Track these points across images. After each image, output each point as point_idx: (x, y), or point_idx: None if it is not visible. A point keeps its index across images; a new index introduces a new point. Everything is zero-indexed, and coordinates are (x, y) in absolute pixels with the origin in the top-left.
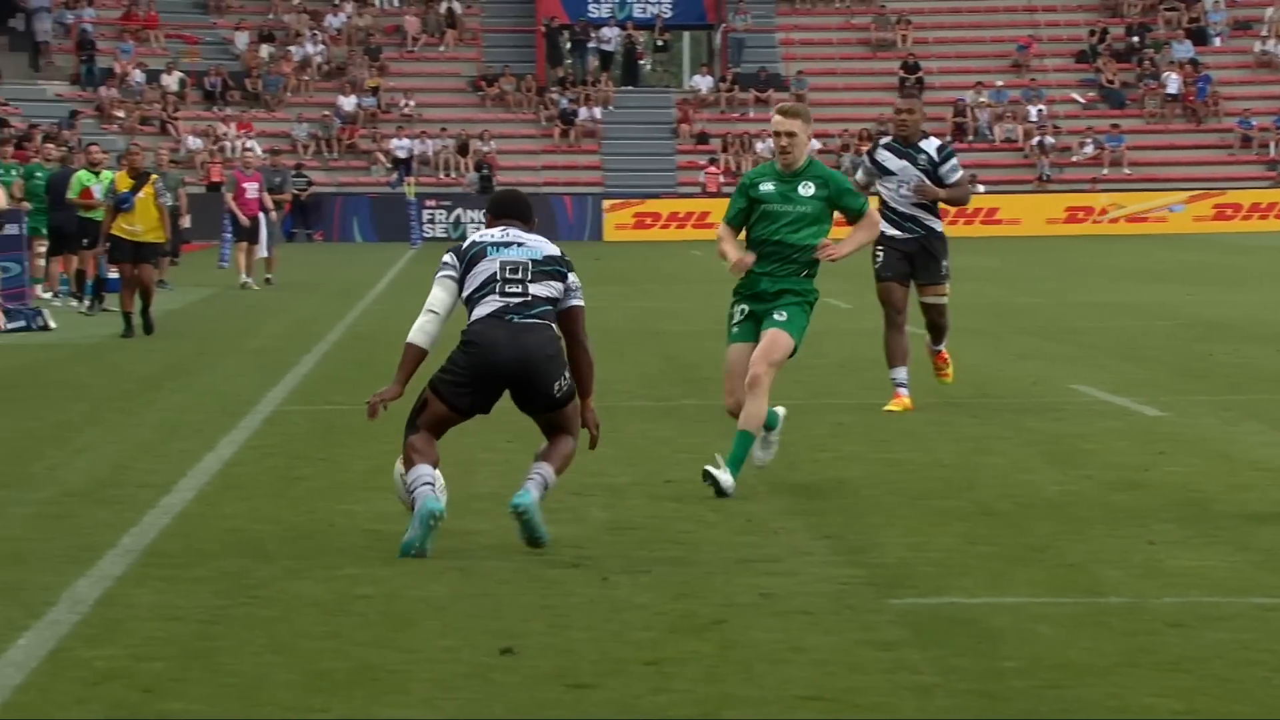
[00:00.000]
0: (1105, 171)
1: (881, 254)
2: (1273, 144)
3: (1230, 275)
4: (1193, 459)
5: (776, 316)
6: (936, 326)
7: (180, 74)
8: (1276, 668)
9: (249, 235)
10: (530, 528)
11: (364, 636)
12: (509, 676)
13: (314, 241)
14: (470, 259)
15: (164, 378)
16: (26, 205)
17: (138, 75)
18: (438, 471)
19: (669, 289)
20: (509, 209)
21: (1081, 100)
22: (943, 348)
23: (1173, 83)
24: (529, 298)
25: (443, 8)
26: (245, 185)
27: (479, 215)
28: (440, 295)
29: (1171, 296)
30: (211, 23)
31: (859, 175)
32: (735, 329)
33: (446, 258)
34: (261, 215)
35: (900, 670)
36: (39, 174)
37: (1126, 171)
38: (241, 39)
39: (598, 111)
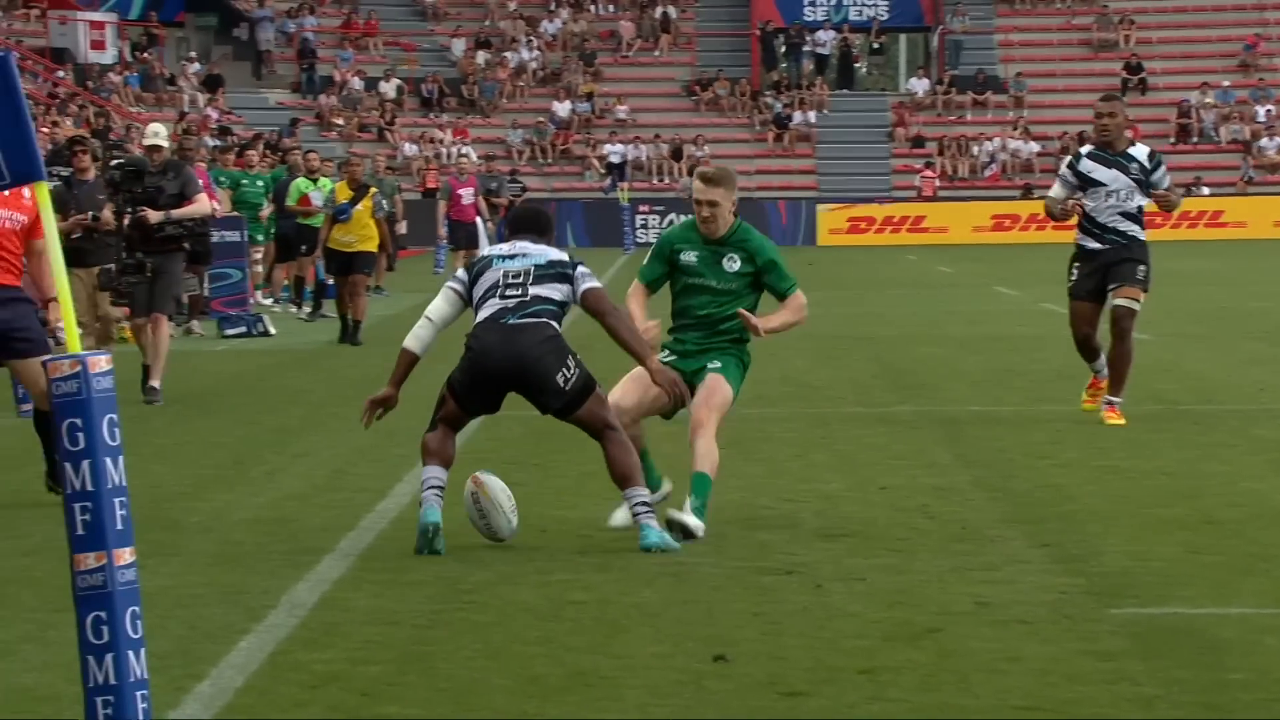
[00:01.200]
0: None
1: (1076, 270)
2: None
3: None
4: None
5: (710, 365)
6: (1121, 335)
7: (398, 81)
8: None
9: (468, 241)
10: (686, 534)
11: (577, 642)
12: (721, 684)
13: None
14: (478, 271)
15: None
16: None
17: (356, 83)
18: (447, 473)
19: (883, 294)
20: (523, 224)
21: None
22: (1118, 401)
23: None
24: (527, 298)
25: (657, 12)
26: (460, 191)
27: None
28: (439, 305)
29: None
30: (429, 30)
31: (1055, 190)
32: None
33: (459, 271)
34: (479, 221)
35: (1121, 681)
36: (244, 181)
37: None
38: (458, 46)
39: (812, 115)
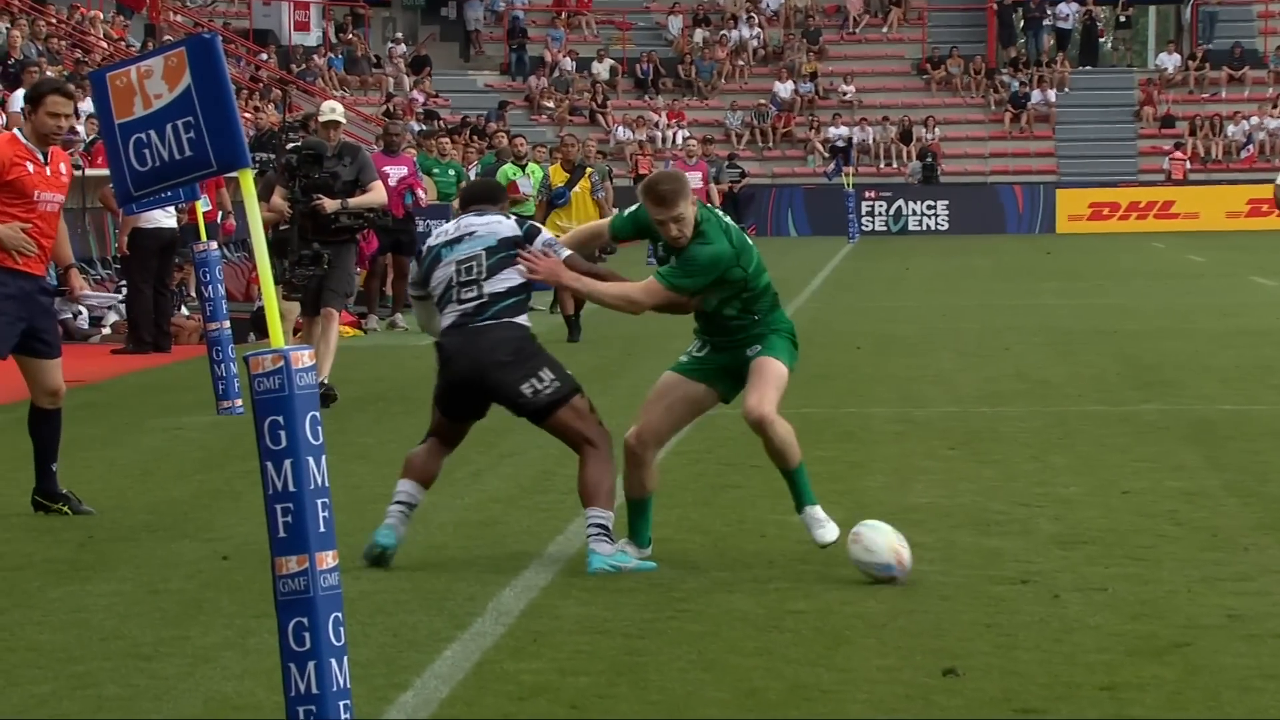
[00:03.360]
0: None
1: None
2: None
3: None
4: None
5: (749, 352)
6: None
7: (611, 61)
8: None
9: None
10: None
11: (796, 654)
12: (952, 700)
13: (747, 235)
14: (428, 270)
15: (589, 380)
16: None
17: (568, 63)
18: (423, 492)
19: (1126, 285)
20: (475, 196)
21: None
22: None
23: None
24: (485, 298)
25: None
26: (687, 175)
27: (921, 207)
28: (423, 319)
29: None
30: (644, 7)
31: None
32: (686, 359)
33: (411, 275)
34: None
35: None
36: (435, 170)
37: None
38: (675, 24)
39: (1052, 94)
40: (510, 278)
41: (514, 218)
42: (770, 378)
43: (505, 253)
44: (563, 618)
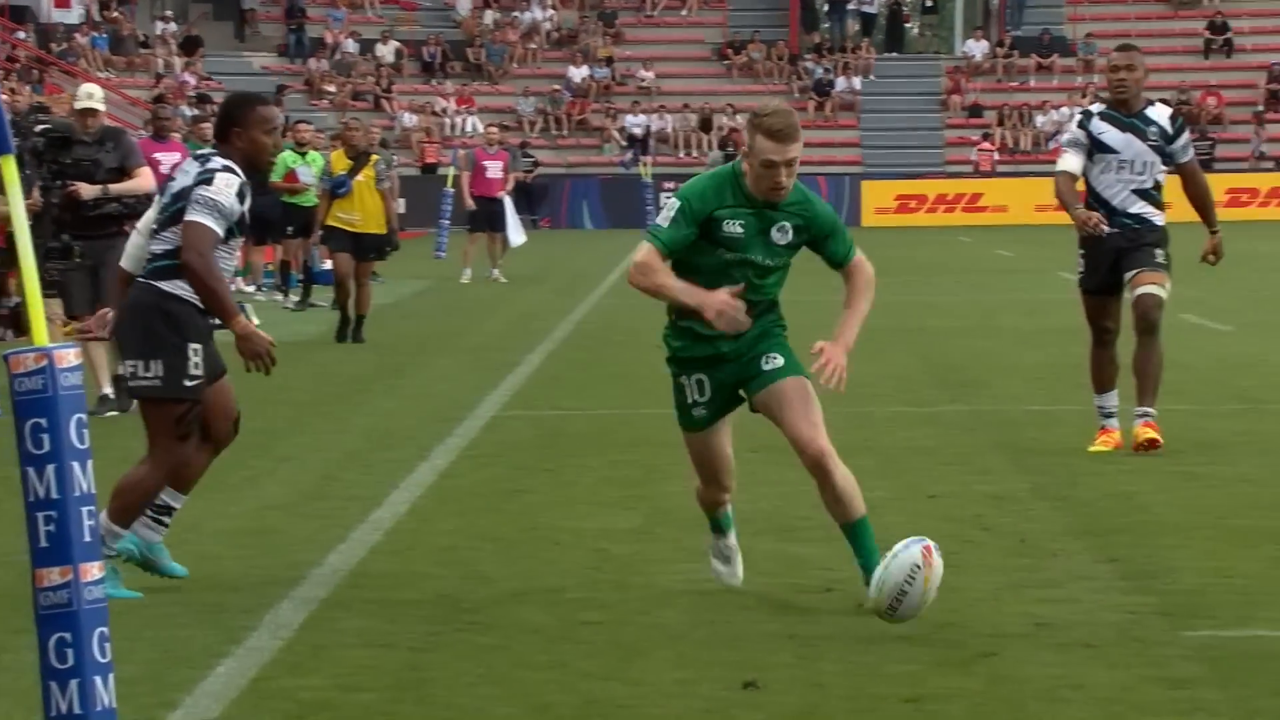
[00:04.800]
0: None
1: (1084, 259)
2: None
3: None
4: None
5: (770, 362)
6: (1147, 329)
7: (396, 44)
8: None
9: (486, 222)
10: (155, 572)
11: (590, 667)
12: (752, 714)
13: (539, 228)
14: None
15: (373, 380)
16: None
17: (350, 45)
18: (182, 498)
19: (932, 280)
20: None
21: None
22: (1153, 414)
23: None
24: (149, 256)
25: None
26: (486, 164)
27: None
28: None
29: None
30: None
31: (1067, 159)
32: (697, 413)
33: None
34: (505, 199)
35: (1197, 712)
36: None
37: None
38: (463, 5)
39: (857, 82)
40: (172, 237)
41: (205, 166)
42: (813, 401)
43: (178, 207)
44: (344, 631)
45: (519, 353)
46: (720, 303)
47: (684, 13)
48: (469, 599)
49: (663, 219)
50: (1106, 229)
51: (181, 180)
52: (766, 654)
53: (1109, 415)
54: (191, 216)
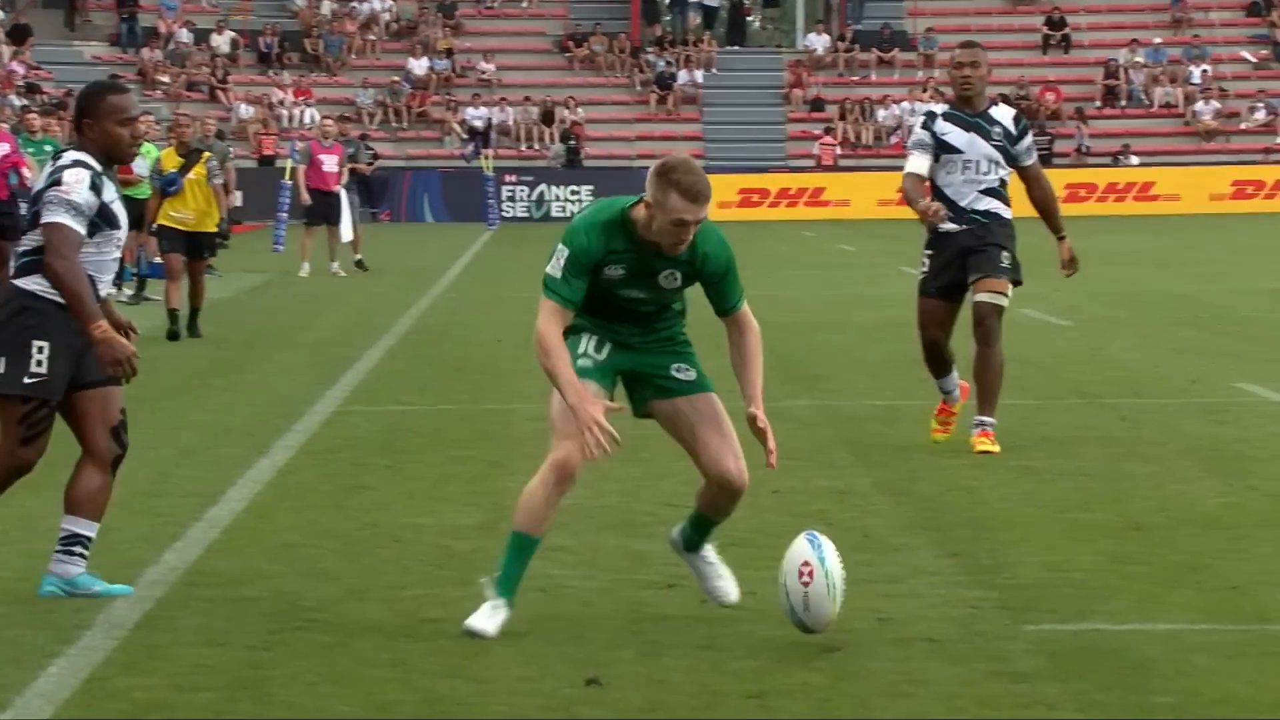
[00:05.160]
0: (1279, 140)
1: (928, 260)
2: None
3: None
4: None
5: (681, 372)
6: (986, 338)
7: (232, 33)
8: None
9: (323, 215)
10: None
11: (432, 665)
12: (594, 710)
13: (379, 222)
14: None
15: (211, 375)
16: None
17: (184, 35)
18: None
19: (776, 275)
20: None
21: (1252, 59)
22: (991, 423)
23: None
24: (16, 255)
25: None
26: (322, 157)
27: (564, 191)
28: None
29: None
30: None
31: (914, 161)
32: (582, 363)
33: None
34: (341, 193)
35: (1036, 705)
36: (49, 148)
37: None
38: None
39: (699, 75)
40: (32, 238)
41: (55, 164)
42: (730, 426)
43: (34, 209)
44: (180, 630)
45: (359, 348)
46: (589, 420)
47: (524, 4)
48: (308, 597)
49: (554, 269)
50: (948, 221)
51: (41, 181)
52: (609, 650)
53: (948, 394)
54: (47, 218)
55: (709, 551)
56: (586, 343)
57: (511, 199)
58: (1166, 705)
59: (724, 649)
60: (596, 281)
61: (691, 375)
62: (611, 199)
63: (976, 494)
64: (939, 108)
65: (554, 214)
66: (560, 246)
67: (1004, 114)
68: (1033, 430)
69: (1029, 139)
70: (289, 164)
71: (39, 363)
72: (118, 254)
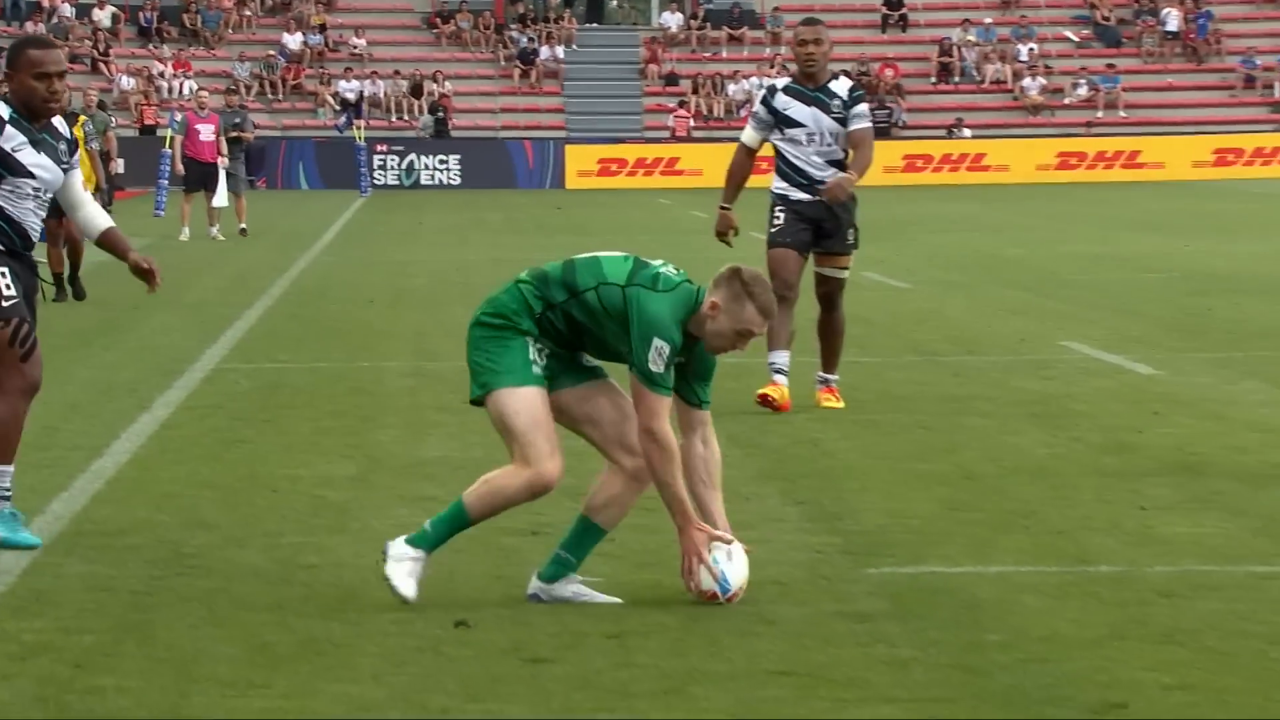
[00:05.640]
0: (1100, 114)
1: (781, 216)
2: (1277, 85)
3: (1230, 224)
4: (1188, 420)
5: (588, 363)
6: (831, 307)
7: (113, 8)
8: (1272, 639)
9: (201, 183)
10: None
11: (308, 608)
12: (463, 650)
13: (256, 189)
14: None
15: (95, 334)
16: None
17: (66, 9)
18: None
19: (634, 240)
20: None
21: (1075, 38)
22: (834, 379)
23: (1172, 19)
24: None
25: None
26: (199, 127)
27: (433, 161)
28: None
29: (1168, 247)
30: None
31: (749, 132)
32: (539, 369)
33: None
34: (220, 161)
35: (877, 644)
36: None
37: (1122, 114)
38: None
39: (560, 51)
40: None
41: None
42: (630, 406)
43: None
44: (66, 576)
45: (238, 308)
46: (695, 551)
47: None
48: (190, 544)
49: (657, 364)
50: (798, 191)
51: None
52: (477, 594)
53: (778, 371)
54: None
55: (577, 582)
56: (533, 349)
57: (383, 168)
58: (997, 642)
59: None
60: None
61: (596, 363)
62: (674, 283)
63: (821, 446)
64: (780, 82)
65: (423, 182)
66: (657, 341)
67: (842, 86)
68: (874, 386)
69: (862, 106)
70: (168, 133)
71: (8, 286)
72: (35, 204)
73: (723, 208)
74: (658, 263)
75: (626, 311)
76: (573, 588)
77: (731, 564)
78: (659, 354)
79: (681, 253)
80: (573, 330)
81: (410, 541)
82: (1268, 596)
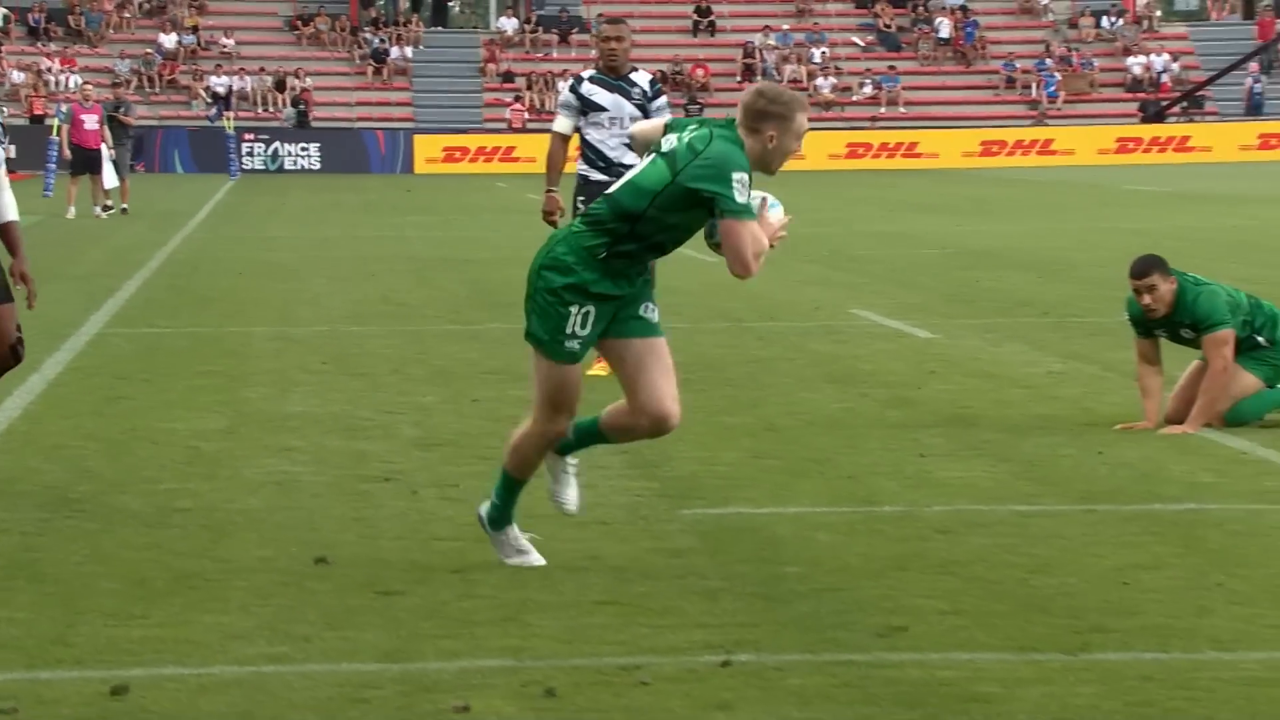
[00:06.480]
0: (883, 110)
1: (581, 204)
2: (1034, 85)
3: (995, 207)
4: (960, 377)
5: (648, 314)
6: None
7: (4, 10)
8: (1033, 569)
9: (85, 167)
10: None
11: (183, 547)
12: (322, 584)
13: (136, 172)
14: None
15: None
16: None
17: None
18: None
19: (476, 219)
20: None
21: (861, 44)
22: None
23: (944, 27)
24: None
25: None
26: (83, 118)
27: (295, 149)
28: None
29: (942, 227)
30: None
31: (559, 122)
32: (571, 345)
33: None
34: (102, 147)
35: (689, 576)
36: None
37: (902, 110)
38: None
39: (408, 51)
40: None
41: None
42: (673, 370)
43: None
44: None
45: (120, 279)
46: (774, 237)
47: None
48: (76, 490)
49: (742, 195)
50: (597, 172)
51: None
52: (335, 534)
53: None
54: None
55: (573, 460)
56: (574, 323)
57: (250, 154)
58: (795, 574)
59: (432, 532)
60: (701, 215)
61: (655, 316)
62: (708, 136)
63: None
64: (586, 73)
65: (287, 167)
66: (736, 174)
67: (642, 78)
68: (687, 349)
69: (663, 99)
70: (56, 123)
71: None
72: None
73: (549, 191)
74: (685, 137)
75: (696, 187)
76: (523, 538)
77: (770, 208)
78: (740, 185)
79: (520, 230)
80: (651, 246)
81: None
82: (1029, 532)
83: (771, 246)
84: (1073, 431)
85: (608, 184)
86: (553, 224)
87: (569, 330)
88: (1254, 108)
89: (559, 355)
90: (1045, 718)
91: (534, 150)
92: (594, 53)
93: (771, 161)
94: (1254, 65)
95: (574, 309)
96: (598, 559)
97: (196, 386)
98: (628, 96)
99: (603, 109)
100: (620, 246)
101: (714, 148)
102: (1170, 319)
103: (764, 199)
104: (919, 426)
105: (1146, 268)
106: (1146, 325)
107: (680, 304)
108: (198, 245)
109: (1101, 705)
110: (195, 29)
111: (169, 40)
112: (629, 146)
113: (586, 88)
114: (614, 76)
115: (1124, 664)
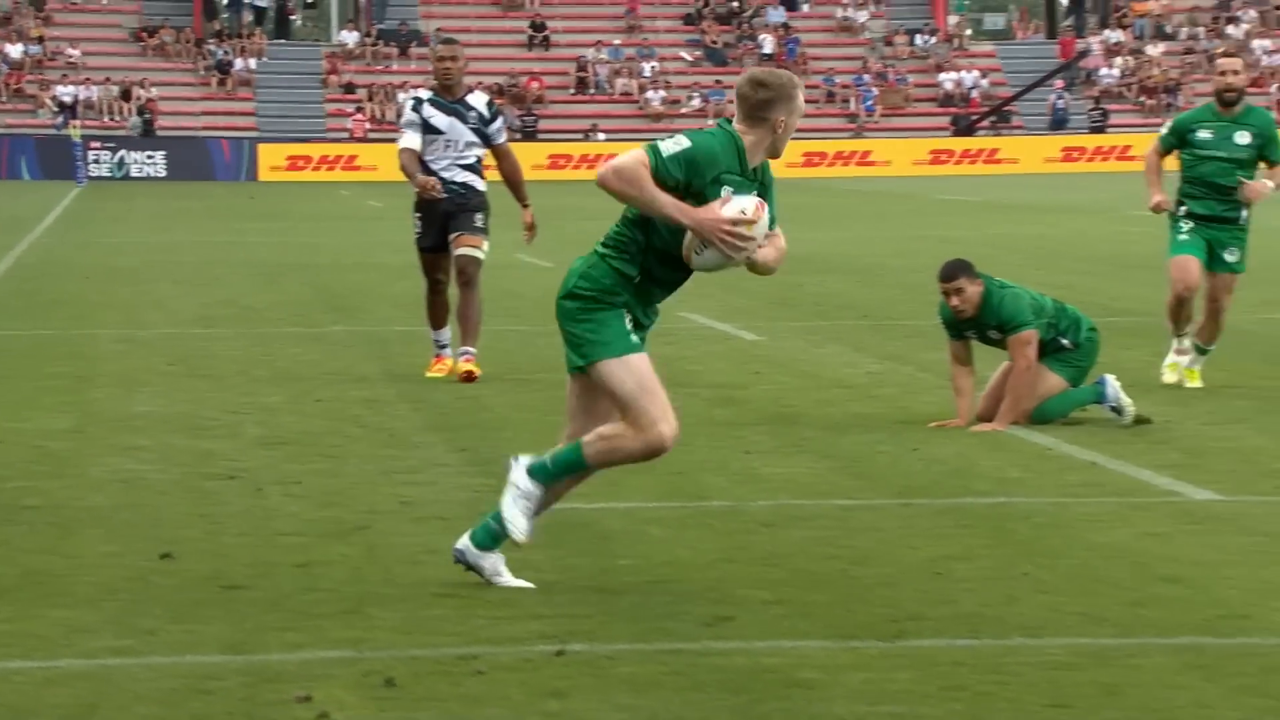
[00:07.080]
0: (709, 122)
1: (420, 223)
2: (852, 99)
3: (817, 216)
4: (784, 377)
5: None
6: (467, 283)
7: None
8: (853, 561)
9: None
10: None
11: (30, 544)
12: (167, 579)
13: None
14: None
15: None
16: None
17: None
18: None
19: (318, 225)
20: None
21: (689, 58)
22: (473, 351)
23: (768, 44)
24: None
25: None
26: None
27: (142, 156)
28: None
29: None
30: None
31: (408, 138)
32: (636, 338)
33: None
34: None
35: (526, 570)
36: None
37: None
38: None
39: (252, 63)
40: None
41: None
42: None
43: None
44: None
45: None
46: (716, 228)
47: (104, 0)
48: None
49: (665, 148)
50: (441, 194)
51: None
52: (180, 530)
53: (442, 346)
54: None
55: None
56: (628, 318)
57: (96, 162)
58: (626, 566)
59: (275, 528)
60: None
61: (644, 335)
62: (696, 135)
63: (480, 401)
64: (424, 94)
65: (133, 174)
66: (681, 139)
67: (479, 100)
68: (525, 351)
69: (500, 121)
70: None
71: None
72: None
73: (414, 180)
74: (670, 145)
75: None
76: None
77: (734, 199)
78: (673, 143)
79: (360, 236)
80: (666, 260)
81: (530, 471)
82: (848, 526)
83: (722, 241)
84: (890, 429)
85: (442, 201)
86: (433, 199)
87: (628, 327)
88: (1057, 122)
89: (630, 349)
90: (864, 702)
91: (375, 159)
92: (430, 65)
93: (780, 145)
94: (1058, 82)
95: (624, 311)
96: (436, 552)
97: (43, 387)
98: (464, 120)
99: (440, 132)
100: (646, 262)
101: (694, 134)
102: (978, 320)
103: (730, 194)
104: (745, 425)
105: (954, 271)
106: (958, 327)
107: (519, 308)
108: (44, 250)
109: (916, 690)
110: (41, 39)
111: (15, 50)
112: (463, 168)
113: (426, 110)
114: (450, 98)
115: (938, 650)
